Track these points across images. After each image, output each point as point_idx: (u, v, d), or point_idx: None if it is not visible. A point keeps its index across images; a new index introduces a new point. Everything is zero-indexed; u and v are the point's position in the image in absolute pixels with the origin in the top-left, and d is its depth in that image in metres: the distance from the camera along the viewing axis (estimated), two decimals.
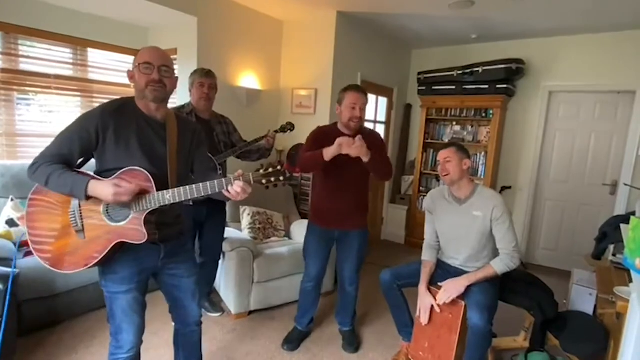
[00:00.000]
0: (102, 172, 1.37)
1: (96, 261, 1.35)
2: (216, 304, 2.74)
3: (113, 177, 1.33)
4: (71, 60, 3.24)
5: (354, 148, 1.92)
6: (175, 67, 3.46)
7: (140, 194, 1.32)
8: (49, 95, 3.14)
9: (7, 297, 1.75)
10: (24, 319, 2.21)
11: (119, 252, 1.39)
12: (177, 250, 1.55)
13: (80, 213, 1.35)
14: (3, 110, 2.89)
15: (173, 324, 1.73)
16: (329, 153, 1.96)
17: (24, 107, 3.04)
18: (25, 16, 2.88)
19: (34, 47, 3.01)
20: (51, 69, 3.11)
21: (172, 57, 3.50)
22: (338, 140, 1.93)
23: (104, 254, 1.34)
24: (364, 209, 2.33)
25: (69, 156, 1.34)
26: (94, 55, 3.36)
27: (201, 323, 1.71)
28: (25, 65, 2.97)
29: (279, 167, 1.32)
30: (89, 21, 3.24)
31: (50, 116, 3.17)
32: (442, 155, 2.08)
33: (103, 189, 1.28)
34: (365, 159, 1.98)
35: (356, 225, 2.27)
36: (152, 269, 1.51)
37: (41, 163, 1.31)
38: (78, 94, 3.28)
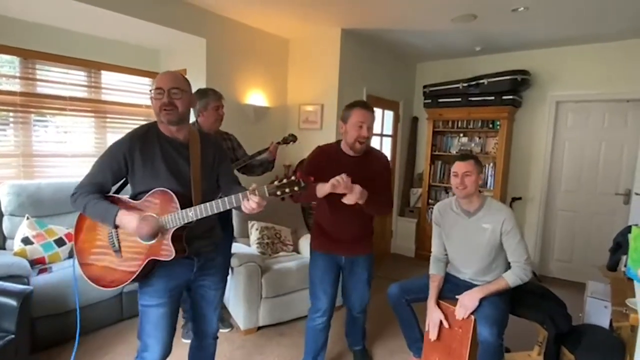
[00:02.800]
0: (137, 195, 1.48)
1: (133, 278, 1.44)
2: (225, 320, 2.74)
3: (142, 199, 1.45)
4: (85, 83, 3.36)
5: (350, 196, 1.73)
6: None
7: (166, 212, 1.41)
8: (64, 117, 3.25)
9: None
10: (37, 335, 2.24)
11: (155, 268, 1.47)
12: (209, 264, 1.63)
13: (117, 234, 1.46)
14: (21, 132, 3.00)
15: (187, 341, 1.76)
16: (321, 191, 1.77)
17: (41, 129, 3.15)
18: (43, 42, 3.02)
19: (51, 71, 3.14)
20: (66, 91, 3.22)
21: None
22: (332, 181, 1.66)
23: (138, 272, 1.43)
24: (369, 234, 2.17)
25: (103, 184, 1.48)
26: (107, 77, 3.48)
27: (217, 337, 1.77)
28: (42, 89, 3.10)
29: (292, 177, 1.34)
30: (103, 45, 3.37)
31: (65, 136, 3.28)
32: (462, 168, 1.98)
33: (128, 222, 1.40)
34: (360, 202, 1.77)
35: (362, 251, 2.11)
36: (185, 282, 1.59)
37: (80, 193, 1.45)
38: (92, 114, 3.39)
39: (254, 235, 3.07)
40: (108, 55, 3.41)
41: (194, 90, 2.48)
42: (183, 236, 1.45)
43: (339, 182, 1.65)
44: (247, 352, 2.45)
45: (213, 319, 1.71)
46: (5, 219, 2.66)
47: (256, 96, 3.72)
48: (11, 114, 2.96)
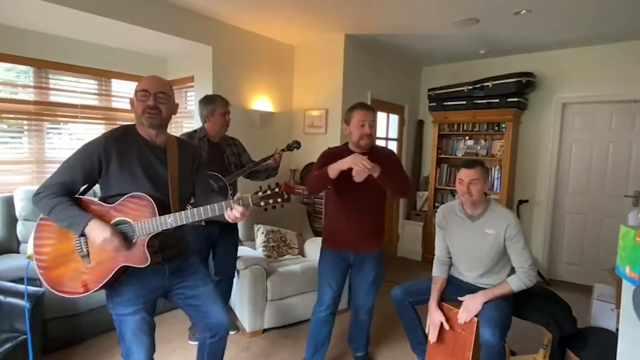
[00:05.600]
0: (107, 198, 1.43)
1: (101, 285, 1.39)
2: (231, 322, 2.76)
3: (117, 202, 1.40)
4: (96, 91, 3.47)
5: (361, 169, 1.81)
6: (192, 94, 3.65)
7: (143, 218, 1.37)
8: (77, 124, 3.35)
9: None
10: (49, 337, 2.31)
11: (124, 275, 1.43)
12: (182, 266, 1.59)
13: (86, 239, 1.39)
14: (34, 139, 3.11)
15: (194, 343, 1.72)
16: (333, 170, 1.88)
17: (54, 136, 3.26)
18: (55, 52, 3.13)
19: (63, 80, 3.25)
20: (78, 100, 3.33)
21: (188, 84, 3.71)
22: (348, 158, 1.84)
23: (108, 278, 1.38)
24: (380, 232, 2.21)
25: (72, 184, 1.40)
26: (117, 85, 3.58)
27: (227, 332, 1.68)
28: (55, 97, 3.20)
29: (276, 189, 1.33)
30: (113, 54, 3.47)
31: (78, 143, 3.37)
32: (468, 175, 1.96)
33: (98, 233, 1.32)
34: (375, 174, 1.86)
35: (372, 248, 2.14)
36: (159, 289, 1.55)
37: (45, 194, 1.36)
38: (102, 121, 3.49)
39: (259, 238, 3.11)
40: (118, 63, 3.51)
41: (200, 96, 2.57)
42: (157, 243, 1.41)
43: (358, 161, 1.81)
44: (253, 354, 2.48)
45: (219, 311, 1.60)
46: (19, 224, 2.75)
47: (262, 102, 3.78)
48: (25, 122, 3.06)
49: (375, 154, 2.09)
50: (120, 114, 3.59)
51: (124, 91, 3.62)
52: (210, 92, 3.04)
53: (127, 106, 3.67)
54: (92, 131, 3.43)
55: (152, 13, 2.90)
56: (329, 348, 2.26)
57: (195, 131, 2.53)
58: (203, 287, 1.61)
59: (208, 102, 2.47)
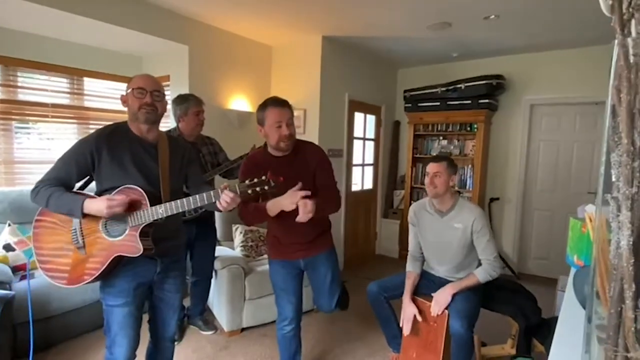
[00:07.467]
0: (102, 192, 1.49)
1: (97, 274, 1.45)
2: (209, 322, 2.77)
3: (109, 196, 1.44)
4: (68, 89, 3.38)
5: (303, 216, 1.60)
6: (168, 93, 3.60)
7: (135, 209, 1.43)
8: (47, 124, 3.26)
9: None
10: (19, 341, 2.24)
11: (119, 266, 1.49)
12: (172, 266, 1.64)
13: (81, 231, 1.46)
14: (2, 139, 3.00)
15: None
16: (274, 210, 1.69)
17: (23, 136, 3.16)
18: (25, 49, 3.04)
19: (33, 78, 3.15)
20: (49, 98, 3.24)
21: (164, 83, 3.66)
22: (289, 199, 1.63)
23: (103, 268, 1.44)
24: (325, 230, 2.02)
25: (67, 179, 1.47)
26: (90, 84, 3.50)
27: (175, 340, 1.78)
28: (23, 96, 3.11)
29: (263, 177, 1.39)
30: (86, 52, 3.39)
31: (49, 143, 3.28)
32: (432, 168, 2.08)
33: (98, 205, 1.39)
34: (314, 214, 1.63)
35: (320, 249, 1.96)
36: (148, 283, 1.60)
37: (42, 187, 1.44)
38: (74, 121, 3.41)
39: (238, 238, 3.11)
40: (90, 62, 3.44)
41: (174, 96, 2.55)
42: (150, 234, 1.46)
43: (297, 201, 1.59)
44: (231, 352, 2.49)
45: (171, 323, 1.71)
46: None
47: (240, 101, 3.78)
48: None
49: (301, 154, 1.86)
50: (93, 113, 3.51)
51: (97, 90, 3.54)
52: (186, 92, 3.02)
53: (101, 105, 3.61)
54: (63, 131, 3.34)
55: (126, 11, 2.86)
56: (313, 347, 2.26)
57: (169, 131, 2.52)
58: (174, 295, 1.69)
59: (181, 102, 2.47)
